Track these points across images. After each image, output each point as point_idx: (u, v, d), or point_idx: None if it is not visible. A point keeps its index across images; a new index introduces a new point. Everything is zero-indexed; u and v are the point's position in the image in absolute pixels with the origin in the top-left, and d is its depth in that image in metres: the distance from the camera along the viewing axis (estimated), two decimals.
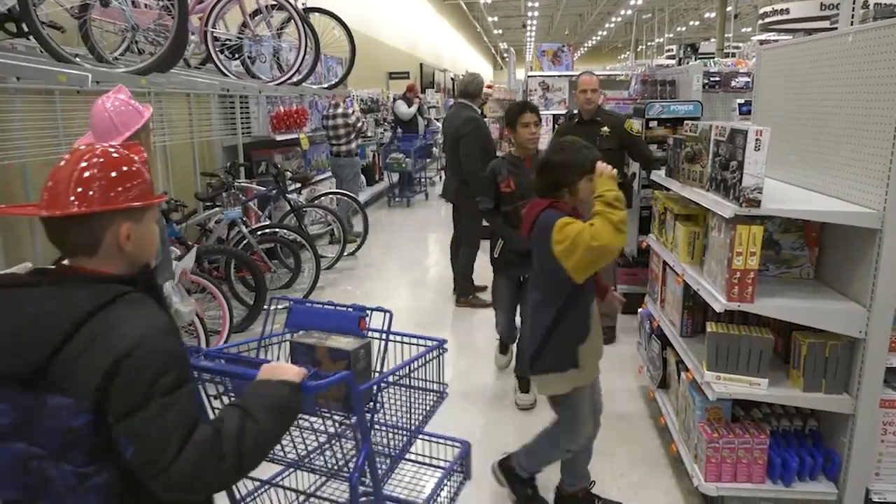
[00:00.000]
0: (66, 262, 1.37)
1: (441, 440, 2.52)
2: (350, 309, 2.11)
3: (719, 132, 2.68)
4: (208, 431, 1.27)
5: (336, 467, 1.91)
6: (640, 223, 5.25)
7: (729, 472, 2.71)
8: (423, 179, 12.33)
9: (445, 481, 2.38)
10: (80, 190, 1.26)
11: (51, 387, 1.22)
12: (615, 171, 2.50)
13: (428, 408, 2.21)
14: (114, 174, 1.30)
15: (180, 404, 1.26)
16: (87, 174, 1.28)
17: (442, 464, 2.48)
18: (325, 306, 2.18)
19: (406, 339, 2.22)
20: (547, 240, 2.45)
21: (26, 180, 4.17)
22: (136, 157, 1.37)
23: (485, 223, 5.85)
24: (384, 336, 2.13)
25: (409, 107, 11.83)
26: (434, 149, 13.24)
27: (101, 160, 1.31)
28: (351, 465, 1.87)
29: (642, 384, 3.99)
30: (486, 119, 6.60)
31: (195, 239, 5.40)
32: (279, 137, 7.46)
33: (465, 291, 5.91)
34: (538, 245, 2.53)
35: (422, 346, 2.20)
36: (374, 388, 1.94)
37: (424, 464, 2.52)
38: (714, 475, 2.73)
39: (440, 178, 13.55)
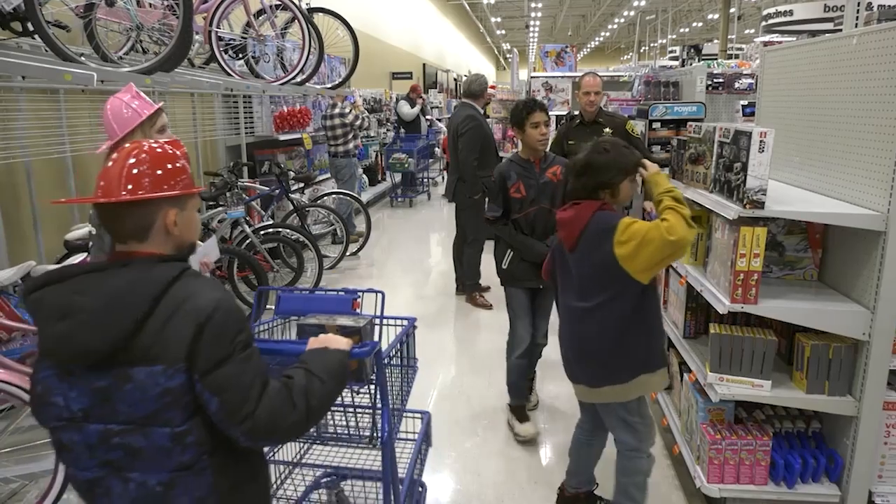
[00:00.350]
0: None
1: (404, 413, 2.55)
2: (341, 293, 2.19)
3: (723, 134, 2.68)
4: (278, 385, 1.43)
5: (362, 435, 2.12)
6: None
7: (731, 474, 2.71)
8: (425, 179, 12.35)
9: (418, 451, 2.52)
10: (131, 181, 1.39)
11: (137, 360, 1.33)
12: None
13: (409, 383, 2.35)
14: (161, 166, 1.43)
15: (254, 359, 1.42)
16: (135, 170, 1.41)
17: (403, 435, 2.57)
18: (315, 292, 2.26)
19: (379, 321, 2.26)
20: (607, 242, 2.34)
21: (30, 178, 4.18)
22: (179, 152, 1.50)
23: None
24: (378, 317, 2.16)
25: (412, 107, 11.83)
26: (436, 149, 13.25)
27: (148, 155, 1.43)
28: (366, 431, 2.09)
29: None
30: (489, 119, 6.59)
31: (198, 238, 5.40)
32: (282, 137, 7.47)
33: (471, 287, 5.94)
34: (592, 248, 2.40)
35: (391, 325, 2.29)
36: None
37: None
38: (717, 477, 2.73)
39: (442, 178, 13.56)
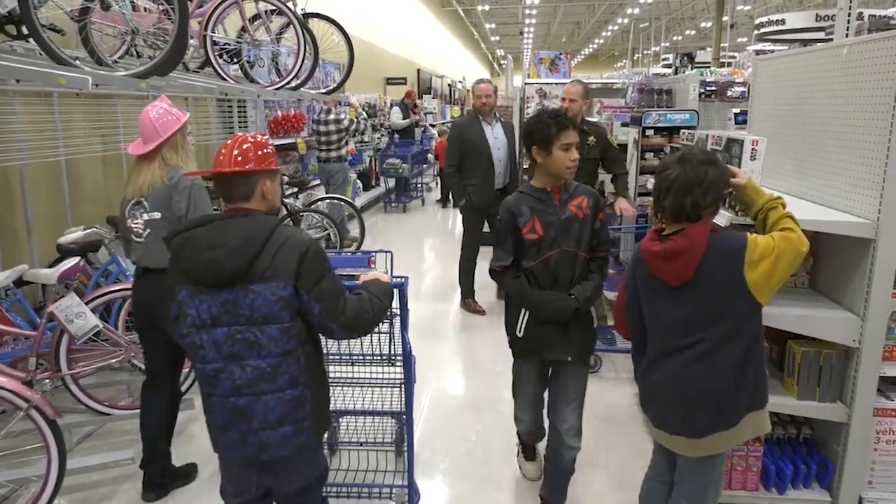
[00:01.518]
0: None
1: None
2: (359, 253, 2.91)
3: (715, 141, 2.71)
4: (355, 297, 2.09)
5: (385, 355, 2.96)
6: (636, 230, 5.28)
7: (724, 480, 2.71)
8: (419, 185, 12.36)
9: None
10: (240, 159, 2.00)
11: (255, 279, 1.92)
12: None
13: (406, 322, 2.86)
14: (260, 150, 2.05)
15: (337, 279, 2.05)
16: (241, 156, 2.01)
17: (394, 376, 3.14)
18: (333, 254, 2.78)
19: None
20: (735, 265, 2.03)
21: (24, 181, 4.16)
22: (269, 141, 2.11)
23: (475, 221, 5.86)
24: (388, 272, 2.66)
25: (405, 117, 11.81)
26: (430, 155, 13.27)
27: (251, 143, 2.05)
28: (384, 350, 2.92)
29: (637, 390, 4.00)
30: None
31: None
32: (277, 142, 7.47)
33: (465, 294, 5.95)
34: (713, 276, 2.06)
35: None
36: None
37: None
38: None
39: (436, 183, 13.57)
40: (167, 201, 2.87)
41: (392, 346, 2.91)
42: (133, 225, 2.95)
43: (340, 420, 3.52)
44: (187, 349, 2.01)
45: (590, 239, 2.69)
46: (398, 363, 2.90)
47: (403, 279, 2.68)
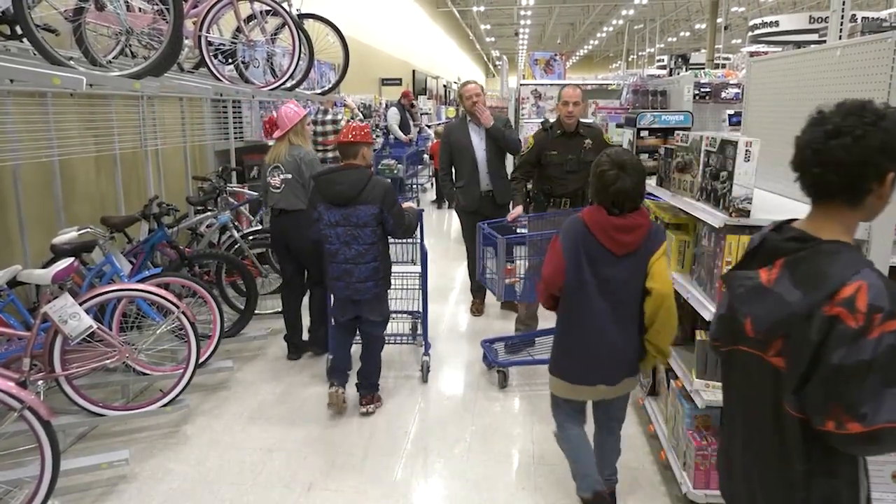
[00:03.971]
0: (350, 161, 3.85)
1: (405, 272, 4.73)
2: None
3: (710, 143, 2.72)
4: (407, 216, 3.83)
5: (410, 259, 4.69)
6: None
7: (717, 479, 2.72)
8: (414, 185, 12.34)
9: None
10: (351, 136, 3.79)
11: (360, 202, 3.66)
12: None
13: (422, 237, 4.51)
14: (362, 131, 3.85)
15: (400, 204, 3.88)
16: (351, 134, 3.80)
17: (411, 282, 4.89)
18: None
19: None
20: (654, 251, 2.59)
21: (17, 182, 4.14)
22: (368, 126, 4.01)
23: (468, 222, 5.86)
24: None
25: (402, 122, 11.69)
26: (425, 155, 13.27)
27: (358, 128, 3.84)
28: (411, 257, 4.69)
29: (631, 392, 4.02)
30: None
31: (186, 243, 5.38)
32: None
33: (475, 292, 5.96)
34: (649, 253, 2.56)
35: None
36: None
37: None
38: (702, 482, 2.75)
39: (431, 184, 13.57)
40: (299, 169, 4.58)
41: (413, 253, 4.62)
42: (272, 181, 4.62)
43: None
44: (322, 239, 3.75)
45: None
46: (418, 263, 4.59)
47: (420, 210, 4.21)
